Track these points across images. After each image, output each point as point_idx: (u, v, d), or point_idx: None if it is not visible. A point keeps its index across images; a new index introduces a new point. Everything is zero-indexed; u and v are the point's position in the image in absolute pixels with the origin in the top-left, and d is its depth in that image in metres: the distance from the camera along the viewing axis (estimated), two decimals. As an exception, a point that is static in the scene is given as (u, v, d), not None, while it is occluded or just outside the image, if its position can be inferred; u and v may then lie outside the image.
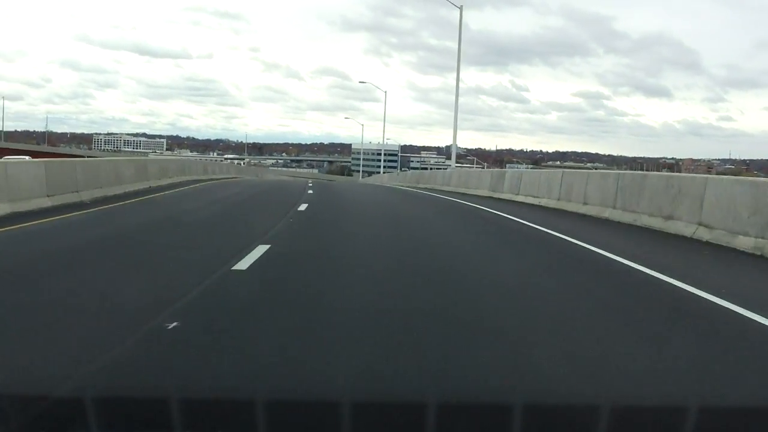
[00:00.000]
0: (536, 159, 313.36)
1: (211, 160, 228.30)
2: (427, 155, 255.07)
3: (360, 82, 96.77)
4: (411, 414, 4.65)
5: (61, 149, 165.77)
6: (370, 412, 4.69)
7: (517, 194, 31.05)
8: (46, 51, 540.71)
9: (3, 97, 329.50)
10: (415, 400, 4.90)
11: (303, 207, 22.96)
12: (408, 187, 52.43)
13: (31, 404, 4.58)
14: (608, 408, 4.52)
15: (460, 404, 4.88)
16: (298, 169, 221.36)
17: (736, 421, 4.82)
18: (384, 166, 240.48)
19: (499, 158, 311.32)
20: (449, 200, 31.51)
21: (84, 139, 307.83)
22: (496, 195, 33.66)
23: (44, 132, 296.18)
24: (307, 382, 5.38)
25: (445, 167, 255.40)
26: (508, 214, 22.69)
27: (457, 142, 52.56)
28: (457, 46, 51.53)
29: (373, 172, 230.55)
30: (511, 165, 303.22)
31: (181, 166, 43.73)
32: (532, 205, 27.97)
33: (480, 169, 54.24)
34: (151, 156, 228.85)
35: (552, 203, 26.89)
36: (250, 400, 4.59)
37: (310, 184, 45.24)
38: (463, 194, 37.10)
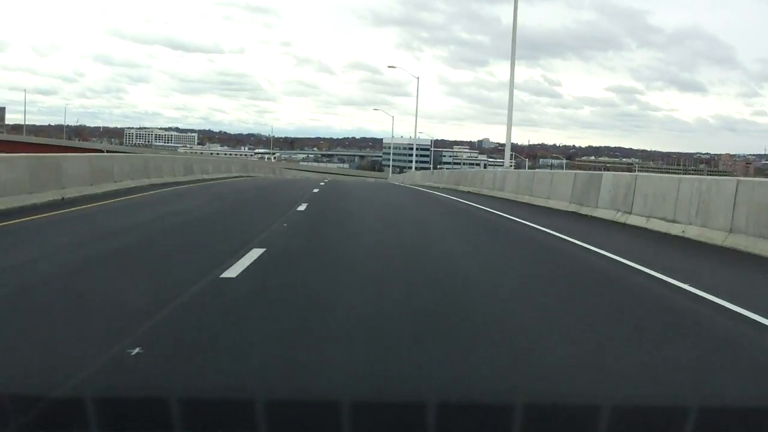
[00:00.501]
0: (570, 154, 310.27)
1: (241, 155, 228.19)
2: (459, 150, 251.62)
3: (389, 66, 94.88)
4: (411, 414, 4.63)
5: (90, 144, 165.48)
6: (370, 412, 4.65)
7: (630, 213, 20.43)
8: (79, 45, 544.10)
9: (25, 91, 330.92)
10: (415, 400, 4.86)
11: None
12: (445, 189, 44.79)
13: (31, 404, 4.52)
14: (608, 408, 4.49)
15: (460, 404, 4.83)
16: (328, 164, 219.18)
17: (736, 421, 4.74)
18: (416, 162, 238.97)
19: (532, 153, 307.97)
20: (527, 227, 18.84)
21: (116, 134, 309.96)
22: (583, 210, 23.61)
23: (76, 126, 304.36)
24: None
25: (477, 163, 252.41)
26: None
27: (511, 138, 43.52)
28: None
29: (405, 168, 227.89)
30: (545, 160, 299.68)
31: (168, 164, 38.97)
32: (680, 237, 17.07)
33: (557, 171, 39.91)
34: (180, 150, 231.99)
35: (735, 240, 15.42)
36: (250, 400, 4.60)
37: (316, 190, 37.29)
38: (529, 205, 27.69)
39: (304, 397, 4.95)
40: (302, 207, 21.93)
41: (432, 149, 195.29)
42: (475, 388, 5.33)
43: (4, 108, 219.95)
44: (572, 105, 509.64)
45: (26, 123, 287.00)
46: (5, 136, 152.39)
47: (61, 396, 4.74)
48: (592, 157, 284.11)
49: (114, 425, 4.29)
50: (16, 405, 4.49)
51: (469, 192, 40.01)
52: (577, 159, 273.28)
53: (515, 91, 40.65)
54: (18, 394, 4.75)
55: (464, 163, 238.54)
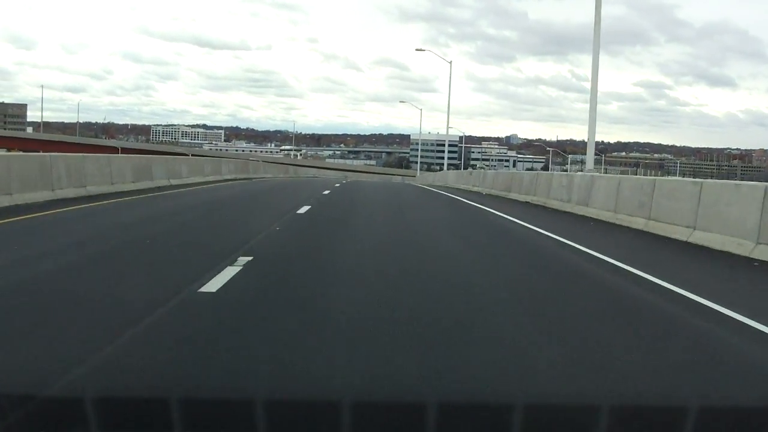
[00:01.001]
0: (599, 150, 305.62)
1: (265, 152, 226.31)
2: (488, 146, 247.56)
3: (417, 50, 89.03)
4: (411, 414, 4.58)
5: (113, 142, 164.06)
6: (370, 412, 4.62)
7: None
8: (107, 43, 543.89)
9: (42, 87, 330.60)
10: (415, 400, 4.81)
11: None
12: (490, 197, 34.32)
13: (31, 404, 4.50)
14: (608, 408, 4.48)
15: (460, 404, 4.80)
16: (354, 161, 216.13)
17: (736, 421, 4.70)
18: (439, 157, 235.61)
19: (561, 148, 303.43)
20: None
21: (143, 131, 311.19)
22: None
23: (104, 123, 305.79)
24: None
25: (507, 159, 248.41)
26: None
27: (594, 135, 27.68)
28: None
29: (433, 165, 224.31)
30: (575, 156, 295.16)
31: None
32: None
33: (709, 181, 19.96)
34: (205, 147, 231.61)
35: None
36: (250, 400, 4.57)
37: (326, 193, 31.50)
38: (663, 239, 16.45)
39: (304, 398, 4.87)
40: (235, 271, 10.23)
41: (463, 145, 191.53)
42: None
43: (26, 105, 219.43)
44: (600, 100, 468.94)
45: (56, 120, 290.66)
46: (18, 134, 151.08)
47: (62, 396, 4.71)
48: (623, 153, 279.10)
49: (114, 425, 4.24)
50: (15, 405, 4.42)
51: (527, 203, 28.52)
52: (607, 155, 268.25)
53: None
54: (18, 394, 4.64)
55: (493, 159, 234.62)
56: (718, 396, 5.45)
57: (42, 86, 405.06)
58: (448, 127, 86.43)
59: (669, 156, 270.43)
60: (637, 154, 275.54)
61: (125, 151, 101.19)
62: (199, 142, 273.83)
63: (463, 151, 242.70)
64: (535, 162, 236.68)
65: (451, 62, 79.29)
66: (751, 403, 5.20)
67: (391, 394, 5.06)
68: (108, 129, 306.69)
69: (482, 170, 53.76)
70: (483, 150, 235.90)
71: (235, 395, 4.81)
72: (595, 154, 29.96)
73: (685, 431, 4.29)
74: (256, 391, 4.93)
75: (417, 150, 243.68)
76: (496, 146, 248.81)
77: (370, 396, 5.02)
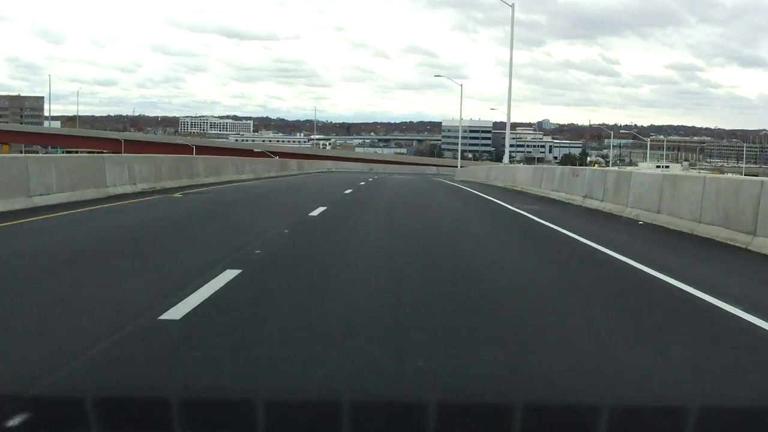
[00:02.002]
0: (633, 134, 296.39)
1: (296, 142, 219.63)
2: (523, 131, 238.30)
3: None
4: (411, 414, 4.57)
5: (142, 136, 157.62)
6: (370, 412, 4.61)
7: None
8: (135, 36, 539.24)
9: (50, 76, 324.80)
10: (415, 400, 4.82)
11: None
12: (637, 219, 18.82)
13: (31, 404, 4.48)
14: (608, 408, 4.46)
15: (460, 404, 4.79)
16: (384, 150, 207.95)
17: (736, 421, 4.67)
18: (469, 145, 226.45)
19: (597, 134, 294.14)
20: None
21: (171, 123, 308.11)
22: None
23: (134, 116, 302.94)
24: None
25: (542, 145, 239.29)
26: None
27: None
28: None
29: (467, 152, 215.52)
30: (609, 140, 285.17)
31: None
32: None
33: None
34: (231, 138, 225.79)
35: None
36: (250, 400, 4.52)
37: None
38: None
39: (304, 398, 4.84)
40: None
41: (507, 132, 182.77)
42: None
43: (42, 98, 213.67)
44: (631, 84, 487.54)
45: (86, 114, 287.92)
46: (24, 128, 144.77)
47: (62, 396, 4.66)
48: (662, 136, 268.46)
49: (114, 425, 4.17)
50: (15, 405, 4.38)
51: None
52: (646, 138, 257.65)
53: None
54: (18, 394, 4.62)
55: (528, 146, 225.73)
56: None
57: (49, 75, 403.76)
58: (510, 100, 76.26)
59: (709, 139, 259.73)
60: (676, 137, 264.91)
61: (127, 144, 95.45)
62: (227, 132, 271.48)
63: (506, 138, 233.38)
64: (571, 147, 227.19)
65: (513, 5, 72.64)
66: (751, 403, 5.09)
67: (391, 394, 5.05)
68: (136, 121, 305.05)
69: (600, 169, 29.22)
70: (517, 136, 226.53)
71: (235, 395, 4.73)
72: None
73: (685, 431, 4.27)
74: (256, 391, 4.85)
75: (449, 137, 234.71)
76: (531, 132, 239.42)
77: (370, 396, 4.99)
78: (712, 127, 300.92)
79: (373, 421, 4.48)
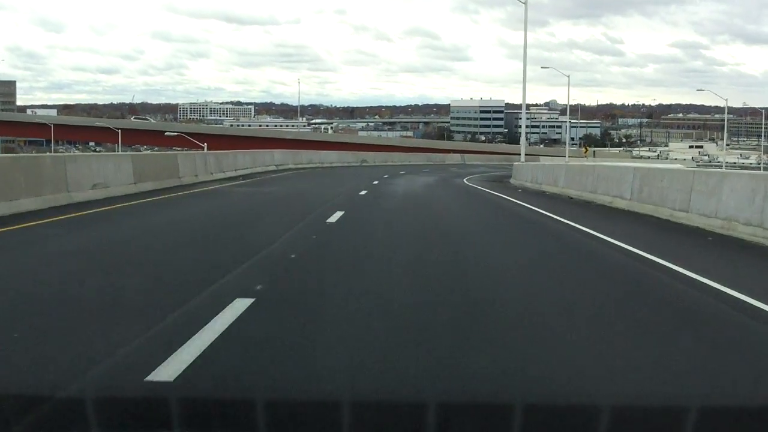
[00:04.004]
0: (643, 113, 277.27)
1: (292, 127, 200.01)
2: (537, 111, 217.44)
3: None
4: (411, 414, 4.46)
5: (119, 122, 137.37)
6: (370, 412, 4.51)
7: None
8: (135, 23, 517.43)
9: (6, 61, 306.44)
10: (415, 400, 4.69)
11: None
12: None
13: (31, 405, 4.40)
14: (608, 408, 4.40)
15: (459, 404, 4.69)
16: (389, 133, 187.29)
17: (736, 421, 4.57)
18: (480, 126, 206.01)
19: (609, 113, 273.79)
20: None
21: (170, 109, 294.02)
22: None
23: (136, 104, 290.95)
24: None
25: (559, 125, 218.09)
26: None
27: None
28: None
29: (475, 133, 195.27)
30: (624, 120, 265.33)
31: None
32: None
33: None
34: (226, 124, 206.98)
35: None
36: (250, 400, 4.45)
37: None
38: None
39: (304, 398, 4.69)
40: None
41: (526, 111, 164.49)
42: None
43: (14, 82, 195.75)
44: (636, 63, 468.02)
45: (87, 102, 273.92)
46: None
47: (62, 396, 4.52)
48: (680, 115, 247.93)
49: (114, 425, 4.09)
50: (16, 406, 4.32)
51: None
52: (663, 117, 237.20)
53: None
54: (19, 395, 4.54)
55: (543, 126, 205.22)
56: None
57: (2, 59, 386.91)
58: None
59: (731, 116, 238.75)
60: (697, 115, 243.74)
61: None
62: (227, 118, 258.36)
63: (506, 119, 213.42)
64: (589, 127, 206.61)
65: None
66: (751, 403, 4.95)
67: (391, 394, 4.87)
68: (134, 109, 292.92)
69: None
70: (532, 116, 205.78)
71: (236, 395, 4.66)
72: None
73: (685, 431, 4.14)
74: (256, 391, 4.73)
75: (458, 119, 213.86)
76: (546, 111, 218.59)
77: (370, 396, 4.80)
78: (721, 105, 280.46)
79: (376, 420, 4.36)
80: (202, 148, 43.94)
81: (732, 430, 4.43)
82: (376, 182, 29.26)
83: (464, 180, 35.71)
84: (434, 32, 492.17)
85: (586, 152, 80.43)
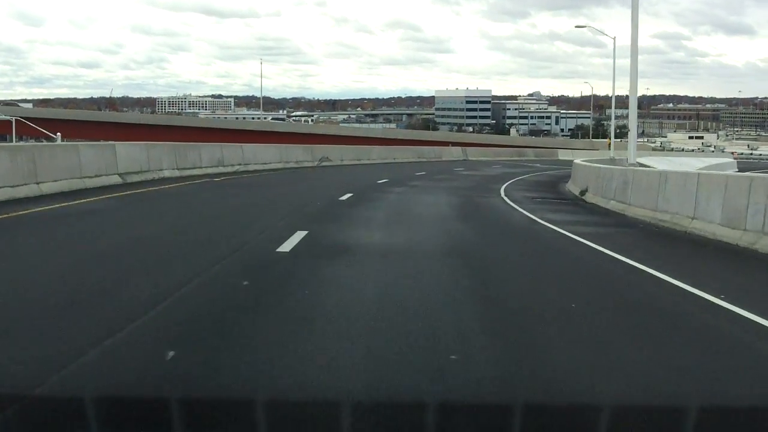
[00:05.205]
0: (624, 104, 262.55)
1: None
2: (526, 101, 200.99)
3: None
4: (411, 414, 4.30)
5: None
6: (370, 412, 4.28)
7: None
8: (114, 16, 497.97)
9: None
10: (415, 400, 4.46)
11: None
12: None
13: (31, 405, 4.20)
14: (608, 408, 4.27)
15: (460, 404, 4.48)
16: (371, 125, 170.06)
17: (736, 421, 4.44)
18: (467, 118, 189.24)
19: (597, 104, 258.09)
20: None
21: (148, 103, 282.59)
22: None
23: (116, 98, 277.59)
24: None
25: (548, 116, 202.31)
26: None
27: None
28: None
29: (462, 125, 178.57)
30: (611, 110, 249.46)
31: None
32: None
33: None
34: (201, 116, 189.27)
35: None
36: (250, 400, 4.30)
37: None
38: None
39: (304, 398, 4.41)
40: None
41: (521, 104, 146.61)
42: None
43: None
44: (618, 54, 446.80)
45: (67, 96, 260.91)
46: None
47: (62, 396, 4.35)
48: (670, 105, 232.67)
49: (114, 425, 3.93)
50: (15, 405, 4.12)
51: None
52: (653, 108, 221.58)
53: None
54: (17, 394, 4.28)
55: (533, 117, 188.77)
56: None
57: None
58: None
59: (722, 106, 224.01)
60: (688, 105, 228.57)
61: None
62: (203, 111, 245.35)
63: (493, 110, 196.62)
64: (579, 117, 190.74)
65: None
66: (751, 403, 4.76)
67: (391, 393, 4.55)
68: (112, 103, 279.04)
69: None
70: (520, 106, 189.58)
71: (235, 395, 4.43)
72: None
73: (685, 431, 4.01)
74: (256, 391, 4.49)
75: (444, 110, 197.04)
76: (535, 101, 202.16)
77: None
78: (706, 96, 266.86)
79: (378, 419, 4.22)
80: (55, 138, 28.25)
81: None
82: (297, 238, 10.51)
83: (516, 204, 19.37)
84: (416, 24, 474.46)
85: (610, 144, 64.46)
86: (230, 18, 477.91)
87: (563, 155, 67.13)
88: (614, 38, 46.46)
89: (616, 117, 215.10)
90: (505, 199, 20.73)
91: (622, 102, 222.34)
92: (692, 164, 48.46)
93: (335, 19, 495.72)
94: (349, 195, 18.85)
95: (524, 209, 17.29)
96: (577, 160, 30.27)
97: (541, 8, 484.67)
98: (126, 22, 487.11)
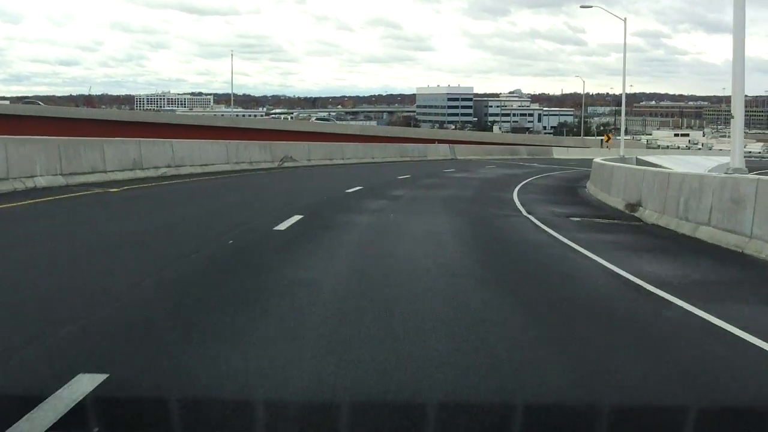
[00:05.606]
0: (608, 102, 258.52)
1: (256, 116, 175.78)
2: (508, 98, 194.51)
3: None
4: (411, 414, 4.07)
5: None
6: (369, 412, 4.03)
7: None
8: (93, 13, 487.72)
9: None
10: (415, 400, 4.21)
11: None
12: None
13: (31, 405, 3.93)
14: (608, 408, 4.15)
15: (460, 404, 4.22)
16: (351, 123, 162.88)
17: (736, 421, 4.26)
18: (451, 114, 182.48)
19: (578, 102, 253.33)
20: None
21: (126, 100, 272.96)
22: None
23: (94, 96, 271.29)
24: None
25: (530, 113, 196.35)
26: None
27: None
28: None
29: (443, 122, 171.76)
30: (593, 108, 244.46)
31: None
32: None
33: None
34: (178, 112, 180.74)
35: None
36: (250, 400, 4.09)
37: None
38: None
39: (304, 398, 4.14)
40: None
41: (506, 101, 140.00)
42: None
43: None
44: (597, 52, 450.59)
45: (45, 94, 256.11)
46: None
47: (61, 396, 4.04)
48: (653, 102, 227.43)
49: (114, 425, 3.77)
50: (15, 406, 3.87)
51: None
52: (634, 105, 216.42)
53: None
54: (18, 395, 4.06)
55: (515, 114, 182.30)
56: None
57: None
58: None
59: (705, 103, 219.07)
60: (670, 103, 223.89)
61: None
62: (173, 108, 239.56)
63: (475, 107, 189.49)
64: (561, 115, 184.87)
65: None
66: (751, 403, 4.52)
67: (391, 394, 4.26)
68: (90, 100, 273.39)
69: None
70: (502, 104, 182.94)
71: (235, 395, 4.17)
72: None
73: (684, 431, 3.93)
74: (255, 391, 4.23)
75: (426, 107, 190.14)
76: (517, 98, 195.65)
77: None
78: (686, 94, 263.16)
79: (379, 418, 3.98)
80: None
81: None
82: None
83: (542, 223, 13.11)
84: (396, 22, 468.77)
85: (608, 140, 58.71)
86: (210, 15, 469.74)
87: (558, 153, 60.58)
88: (624, 19, 39.90)
89: (599, 114, 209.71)
90: (532, 219, 14.17)
91: (603, 100, 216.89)
92: (703, 164, 43.67)
93: (316, 16, 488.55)
94: (296, 219, 12.26)
95: (579, 245, 10.68)
96: (598, 159, 24.23)
97: (522, 6, 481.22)
98: (105, 19, 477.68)
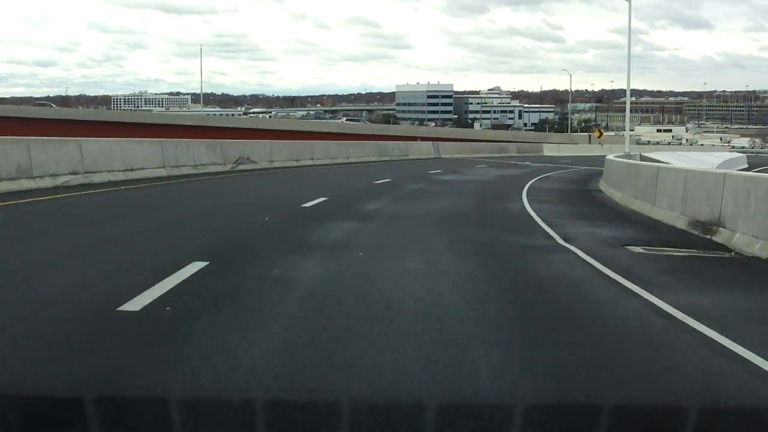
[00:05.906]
0: (586, 98, 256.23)
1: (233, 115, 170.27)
2: (489, 94, 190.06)
3: None
4: (411, 414, 4.01)
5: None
6: (369, 412, 3.96)
7: None
8: (70, 14, 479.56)
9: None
10: (415, 400, 4.15)
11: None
12: None
13: (31, 405, 3.88)
14: (607, 408, 3.99)
15: (460, 404, 4.19)
16: (329, 121, 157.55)
17: (737, 420, 4.16)
18: (431, 113, 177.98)
19: (558, 98, 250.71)
20: None
21: (104, 101, 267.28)
22: None
23: (71, 96, 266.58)
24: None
25: (511, 110, 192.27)
26: None
27: None
28: None
29: (423, 120, 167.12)
30: (574, 105, 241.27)
31: None
32: None
33: None
34: (154, 111, 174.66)
35: None
36: (250, 400, 4.09)
37: None
38: None
39: (304, 398, 4.11)
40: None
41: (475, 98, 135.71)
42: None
43: None
44: (576, 49, 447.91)
45: (26, 96, 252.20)
46: None
47: (61, 396, 4.03)
48: (633, 98, 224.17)
49: (114, 425, 3.67)
50: (15, 405, 3.80)
51: None
52: (614, 101, 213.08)
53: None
54: (17, 395, 3.97)
55: (495, 111, 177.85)
56: None
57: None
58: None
59: (686, 99, 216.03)
60: (650, 99, 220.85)
61: None
62: (150, 108, 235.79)
63: (455, 105, 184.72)
64: (542, 112, 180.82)
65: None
66: (751, 403, 4.45)
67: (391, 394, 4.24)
68: (66, 101, 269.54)
69: None
70: (483, 100, 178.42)
71: (235, 395, 4.15)
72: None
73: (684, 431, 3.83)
74: (255, 392, 4.20)
75: (405, 104, 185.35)
76: (497, 95, 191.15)
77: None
78: (665, 90, 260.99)
79: (378, 417, 3.91)
80: None
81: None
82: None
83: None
84: (374, 20, 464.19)
85: (600, 136, 54.40)
86: (188, 14, 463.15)
87: (549, 151, 55.99)
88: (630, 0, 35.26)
89: (578, 111, 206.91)
90: (579, 254, 9.17)
91: (582, 96, 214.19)
92: (708, 160, 39.71)
93: (293, 15, 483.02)
94: (181, 277, 6.93)
95: (703, 323, 5.79)
96: (610, 157, 20.14)
97: (500, 3, 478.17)
98: (82, 19, 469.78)
